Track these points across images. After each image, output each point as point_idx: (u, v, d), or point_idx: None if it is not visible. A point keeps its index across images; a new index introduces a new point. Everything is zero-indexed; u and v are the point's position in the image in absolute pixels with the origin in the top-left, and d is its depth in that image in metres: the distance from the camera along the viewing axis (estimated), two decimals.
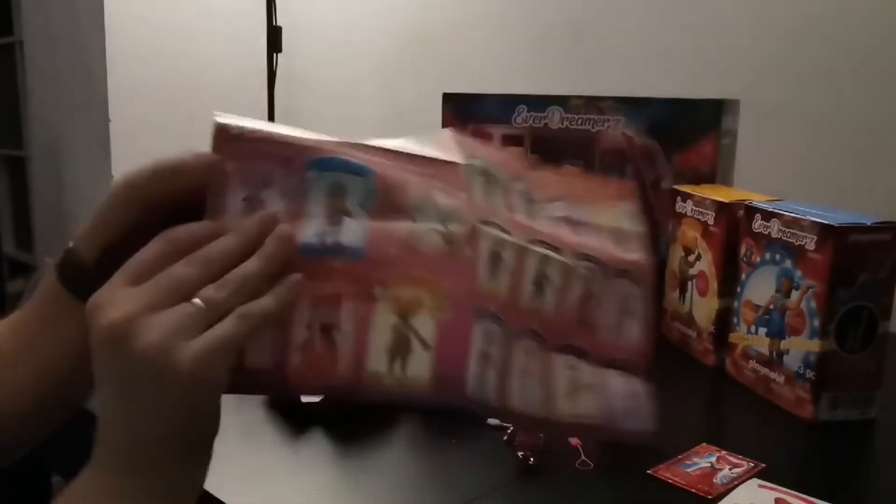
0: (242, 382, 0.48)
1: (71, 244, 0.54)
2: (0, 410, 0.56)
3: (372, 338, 0.49)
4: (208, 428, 0.45)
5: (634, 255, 0.55)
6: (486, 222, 0.52)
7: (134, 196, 0.52)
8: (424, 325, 0.50)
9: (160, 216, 0.50)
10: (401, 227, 0.50)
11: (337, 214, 0.50)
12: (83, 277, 0.52)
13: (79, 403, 0.59)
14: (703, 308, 0.98)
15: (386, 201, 0.51)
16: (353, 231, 0.50)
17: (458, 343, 0.50)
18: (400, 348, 0.49)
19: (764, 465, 0.70)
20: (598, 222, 0.56)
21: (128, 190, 0.52)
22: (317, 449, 0.73)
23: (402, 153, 0.53)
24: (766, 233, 0.86)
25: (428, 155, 0.53)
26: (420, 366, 0.49)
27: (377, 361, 0.49)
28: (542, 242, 0.53)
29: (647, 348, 0.53)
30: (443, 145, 0.55)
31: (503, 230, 0.52)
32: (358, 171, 0.51)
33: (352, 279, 0.49)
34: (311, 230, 0.50)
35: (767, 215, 0.86)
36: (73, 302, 0.53)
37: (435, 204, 0.51)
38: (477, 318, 0.50)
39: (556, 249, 0.53)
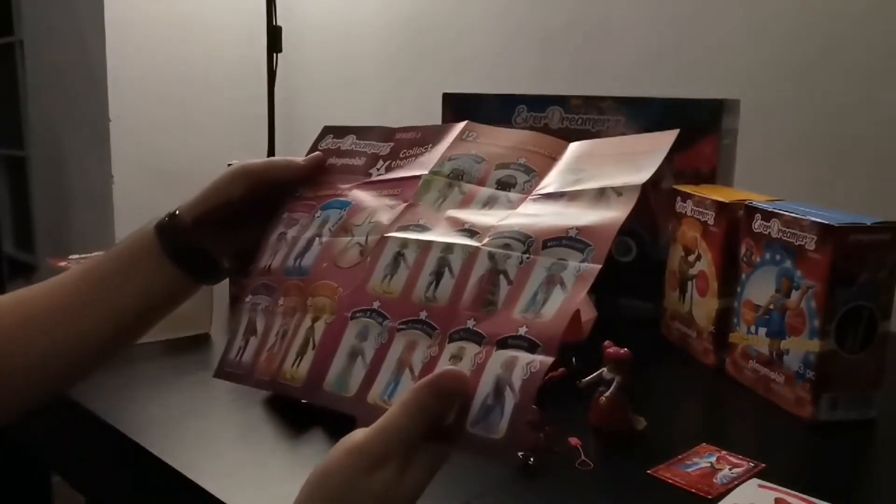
0: (228, 372, 0.62)
1: (177, 210, 0.64)
2: (63, 352, 0.62)
3: (295, 341, 0.58)
4: None
5: (594, 218, 0.50)
6: (405, 227, 0.58)
7: (248, 174, 0.65)
8: (319, 328, 0.57)
9: (260, 198, 0.65)
10: (339, 243, 0.60)
11: (315, 238, 0.62)
12: (179, 237, 0.63)
13: (119, 352, 0.66)
14: (703, 308, 0.98)
15: (344, 224, 0.61)
16: (312, 253, 0.61)
17: (331, 343, 0.55)
18: (303, 349, 0.57)
19: (764, 465, 0.70)
20: (586, 187, 0.53)
21: (243, 169, 0.65)
22: (317, 449, 0.73)
23: (383, 181, 0.64)
24: (766, 233, 0.86)
25: (399, 176, 0.63)
26: (306, 364, 0.56)
27: (289, 360, 0.57)
28: (461, 231, 0.55)
29: (564, 317, 0.47)
30: (442, 138, 0.64)
31: (423, 229, 0.57)
32: (341, 206, 0.63)
33: (300, 292, 0.59)
34: (293, 254, 0.62)
35: (767, 215, 0.86)
36: (159, 257, 0.63)
37: (370, 220, 0.60)
38: (352, 318, 0.55)
39: (472, 234, 0.54)
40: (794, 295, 0.82)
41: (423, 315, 0.52)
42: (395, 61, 2.09)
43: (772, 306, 0.86)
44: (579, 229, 0.50)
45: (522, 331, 0.48)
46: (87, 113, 2.34)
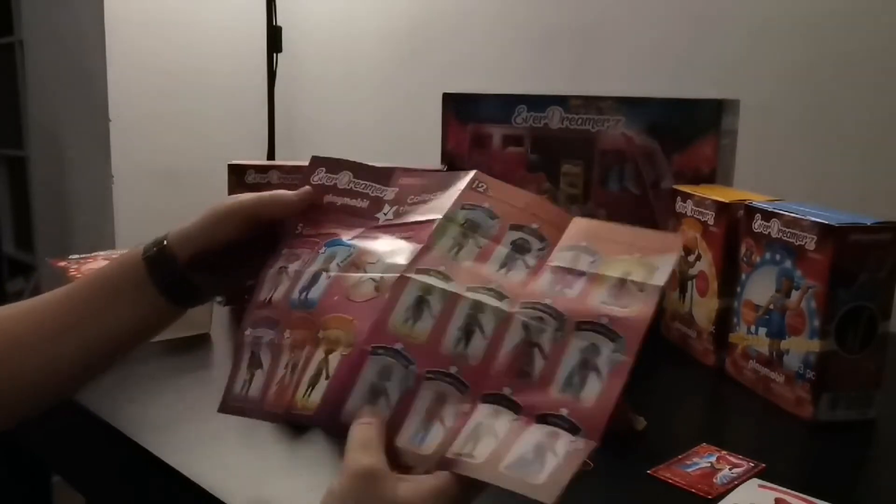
0: (235, 406, 0.61)
1: (165, 241, 0.63)
2: (48, 373, 0.63)
3: (307, 372, 0.57)
4: None
5: (622, 309, 0.52)
6: (425, 270, 0.57)
7: (240, 213, 0.63)
8: (335, 359, 0.56)
9: (253, 235, 0.63)
10: (350, 278, 0.60)
11: (321, 272, 0.61)
12: (168, 269, 0.62)
13: (106, 371, 0.66)
14: (703, 308, 0.98)
15: (354, 261, 0.61)
16: (319, 286, 0.60)
17: (347, 374, 0.55)
18: (315, 378, 0.56)
19: (764, 465, 0.70)
20: (606, 273, 0.55)
21: (235, 206, 0.63)
22: (317, 449, 0.73)
23: (394, 225, 0.64)
24: (766, 233, 0.86)
25: (412, 220, 0.63)
26: (319, 393, 0.55)
27: (301, 390, 0.57)
28: (487, 289, 0.56)
29: (605, 407, 0.49)
30: (454, 186, 0.64)
31: (445, 278, 0.57)
32: (350, 245, 0.63)
33: (309, 325, 0.59)
34: (298, 287, 0.61)
35: (767, 215, 0.86)
36: (146, 286, 0.62)
37: (384, 260, 0.60)
38: (373, 353, 0.55)
39: (500, 297, 0.55)
40: (794, 295, 0.82)
41: (453, 370, 0.53)
42: (395, 61, 2.09)
43: (772, 306, 0.86)
44: (611, 318, 0.52)
45: (564, 412, 0.49)
46: (87, 113, 2.34)
